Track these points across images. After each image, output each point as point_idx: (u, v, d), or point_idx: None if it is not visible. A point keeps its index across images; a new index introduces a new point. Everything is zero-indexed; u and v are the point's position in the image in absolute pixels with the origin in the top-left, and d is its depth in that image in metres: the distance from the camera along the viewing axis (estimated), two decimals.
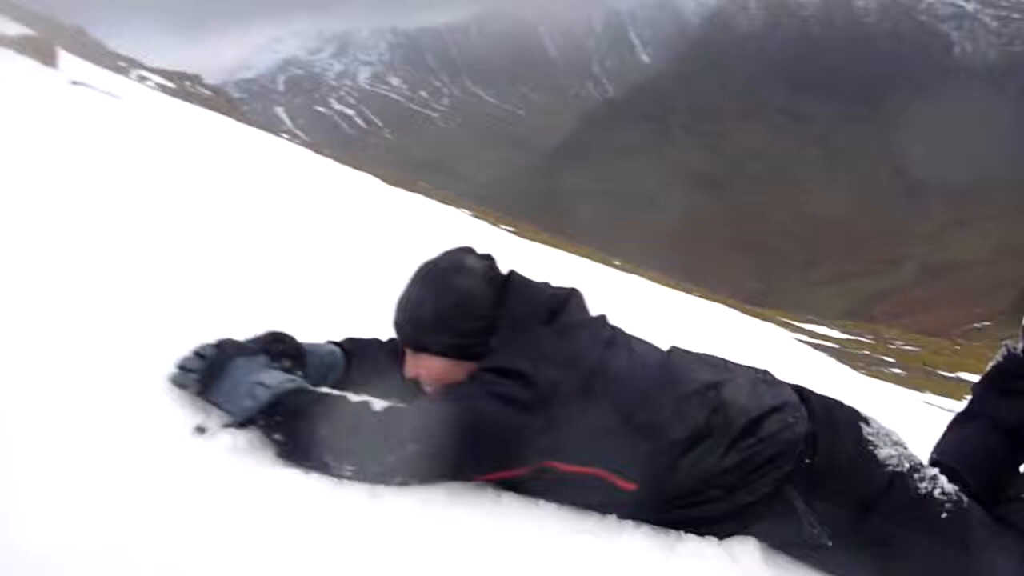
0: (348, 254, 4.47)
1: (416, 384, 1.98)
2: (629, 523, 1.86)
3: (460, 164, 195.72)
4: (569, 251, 15.61)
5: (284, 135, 28.29)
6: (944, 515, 1.88)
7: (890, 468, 1.91)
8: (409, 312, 1.95)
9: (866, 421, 2.02)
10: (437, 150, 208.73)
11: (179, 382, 1.76)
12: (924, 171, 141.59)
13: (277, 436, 1.66)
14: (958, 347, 22.51)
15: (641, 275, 16.70)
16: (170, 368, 1.79)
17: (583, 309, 2.01)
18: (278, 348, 1.90)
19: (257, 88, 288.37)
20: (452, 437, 1.67)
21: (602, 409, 1.78)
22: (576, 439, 1.76)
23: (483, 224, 16.06)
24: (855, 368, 11.41)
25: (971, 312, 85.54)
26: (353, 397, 1.77)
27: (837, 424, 1.96)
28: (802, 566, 1.91)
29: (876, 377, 11.38)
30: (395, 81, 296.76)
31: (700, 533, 1.88)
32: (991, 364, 2.38)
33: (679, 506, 1.85)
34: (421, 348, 1.94)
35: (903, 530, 1.86)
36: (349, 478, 1.65)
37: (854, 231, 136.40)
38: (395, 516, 1.60)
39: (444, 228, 9.66)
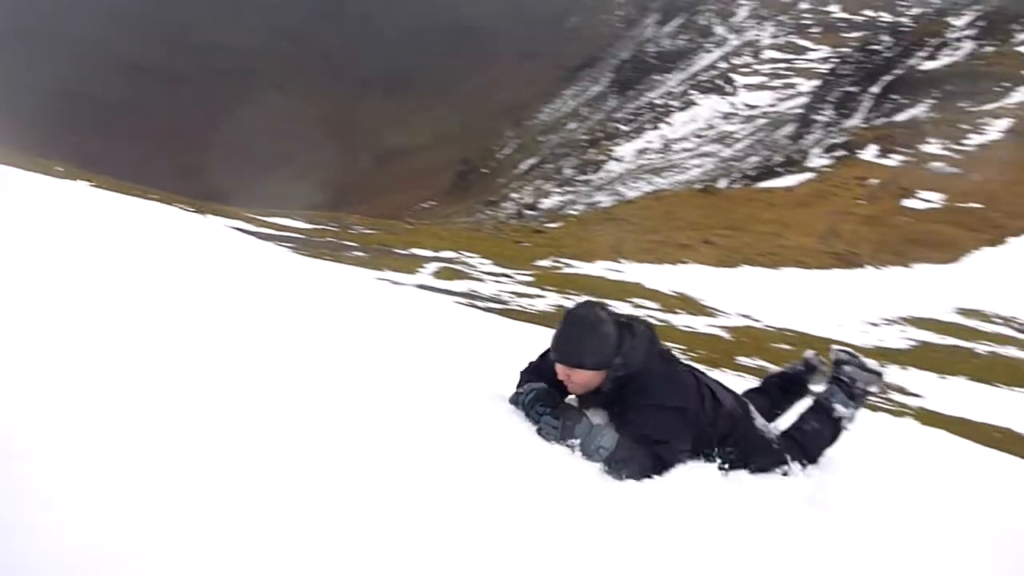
0: None
1: (562, 385, 3.35)
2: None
3: None
4: None
5: None
6: (775, 446, 3.69)
7: (760, 433, 3.64)
8: (573, 346, 3.23)
9: (748, 404, 3.70)
10: None
11: (546, 437, 3.11)
12: (372, 66, 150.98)
13: (607, 469, 3.00)
14: (410, 226, 24.92)
15: (88, 181, 15.25)
16: (537, 424, 3.15)
17: (657, 336, 3.43)
18: (552, 401, 3.25)
19: None
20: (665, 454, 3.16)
21: (702, 422, 3.35)
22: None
23: None
24: (320, 256, 11.99)
25: (419, 194, 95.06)
26: (632, 442, 3.08)
27: (748, 412, 3.63)
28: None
29: (340, 261, 12.06)
30: None
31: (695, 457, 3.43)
32: (782, 368, 4.45)
33: (695, 453, 3.34)
34: (579, 366, 3.22)
35: (764, 455, 3.60)
36: (637, 479, 3.02)
37: (314, 126, 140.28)
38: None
39: None
